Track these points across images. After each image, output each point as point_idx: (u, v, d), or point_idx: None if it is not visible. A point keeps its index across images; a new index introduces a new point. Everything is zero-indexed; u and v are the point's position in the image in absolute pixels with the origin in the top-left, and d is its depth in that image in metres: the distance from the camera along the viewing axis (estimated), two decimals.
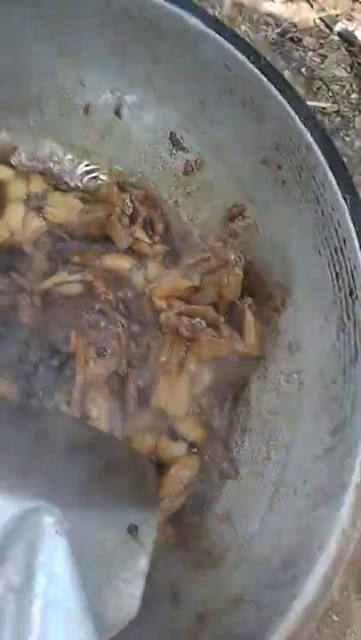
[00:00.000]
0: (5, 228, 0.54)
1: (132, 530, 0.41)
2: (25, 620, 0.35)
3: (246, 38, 0.92)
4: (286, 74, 0.93)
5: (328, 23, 1.00)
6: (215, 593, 0.43)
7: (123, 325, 0.52)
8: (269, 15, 1.00)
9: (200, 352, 0.51)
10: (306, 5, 1.02)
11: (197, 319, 0.51)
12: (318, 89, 0.94)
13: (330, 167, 0.44)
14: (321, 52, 1.00)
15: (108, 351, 0.50)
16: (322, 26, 1.01)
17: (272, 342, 0.51)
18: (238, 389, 0.52)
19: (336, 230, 0.44)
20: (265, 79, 0.48)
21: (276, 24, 1.00)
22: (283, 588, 0.38)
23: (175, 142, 0.56)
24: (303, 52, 0.99)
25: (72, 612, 0.36)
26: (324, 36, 1.00)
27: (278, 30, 0.99)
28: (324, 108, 0.91)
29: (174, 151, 0.57)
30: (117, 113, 0.57)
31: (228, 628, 0.41)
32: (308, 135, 0.45)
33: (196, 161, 0.56)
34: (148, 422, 0.50)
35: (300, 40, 1.00)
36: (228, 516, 0.47)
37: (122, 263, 0.54)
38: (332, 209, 0.44)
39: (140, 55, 0.52)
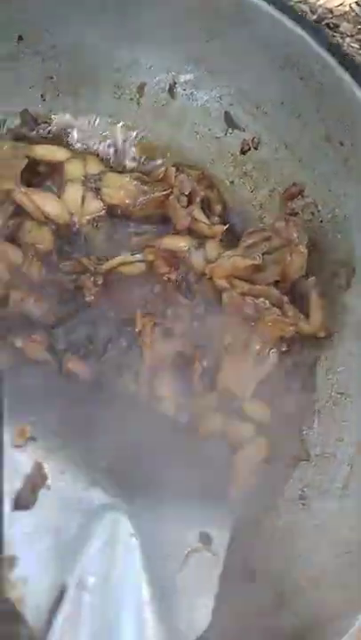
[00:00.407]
0: (65, 209, 0.53)
1: (205, 539, 0.41)
2: (101, 623, 0.35)
3: None
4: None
5: None
6: (294, 572, 0.43)
7: (185, 306, 0.51)
8: (304, 2, 0.99)
9: (265, 332, 0.50)
10: None
11: (261, 299, 0.50)
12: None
13: None
14: (359, 37, 0.98)
15: (174, 331, 0.49)
16: (358, 10, 1.00)
17: (339, 322, 0.50)
18: (306, 370, 0.51)
19: None
20: (325, 53, 0.47)
21: (312, 11, 0.96)
22: None
23: (230, 122, 0.56)
24: (341, 38, 0.96)
25: (146, 620, 0.36)
26: None
27: (314, 17, 0.96)
28: None
29: (230, 130, 0.56)
30: (171, 92, 0.56)
31: (310, 608, 0.41)
32: None
33: (253, 140, 0.55)
34: (215, 403, 0.50)
35: (337, 26, 0.95)
36: (303, 498, 0.47)
37: (181, 243, 0.54)
38: None
39: (195, 33, 0.51)
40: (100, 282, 0.50)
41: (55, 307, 0.48)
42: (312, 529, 0.45)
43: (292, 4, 0.92)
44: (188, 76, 0.55)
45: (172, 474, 0.42)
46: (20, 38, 0.53)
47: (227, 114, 0.56)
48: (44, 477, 0.38)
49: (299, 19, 0.47)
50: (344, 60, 0.47)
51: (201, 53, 0.52)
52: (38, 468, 0.39)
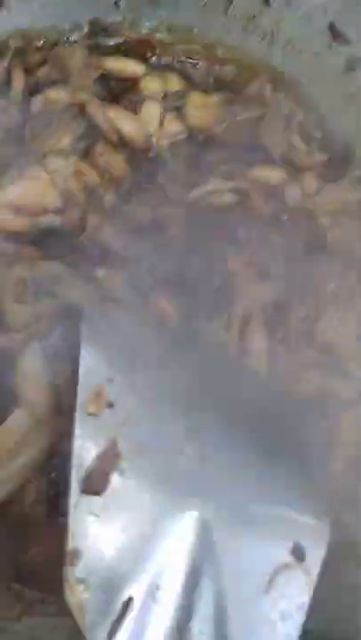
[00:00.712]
0: (142, 128, 0.46)
1: (298, 553, 0.34)
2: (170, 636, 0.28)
3: None
4: None
5: None
6: None
7: (282, 245, 0.44)
8: None
9: None
10: None
11: None
12: None
13: None
14: None
15: (270, 274, 0.42)
16: None
17: None
18: None
19: None
20: None
21: None
22: None
23: (336, 34, 0.47)
24: None
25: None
26: None
27: None
28: None
29: (333, 45, 0.48)
30: (266, 1, 0.48)
31: None
32: None
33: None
34: (312, 359, 0.43)
35: None
36: None
37: (276, 174, 0.47)
38: None
39: None
40: (184, 214, 0.43)
41: (133, 238, 0.41)
42: None
43: None
44: None
45: (264, 454, 0.36)
46: None
47: (332, 25, 0.47)
48: (118, 457, 0.32)
49: None
50: None
51: None
52: (112, 444, 0.32)
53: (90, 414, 0.33)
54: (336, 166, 0.48)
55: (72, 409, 0.34)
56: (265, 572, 0.32)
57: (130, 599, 0.29)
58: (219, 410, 0.37)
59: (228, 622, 0.30)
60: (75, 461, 0.31)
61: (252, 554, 0.32)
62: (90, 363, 0.34)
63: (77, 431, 0.31)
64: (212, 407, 0.37)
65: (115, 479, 0.31)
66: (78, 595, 0.29)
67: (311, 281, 0.45)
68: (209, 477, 0.34)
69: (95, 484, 0.31)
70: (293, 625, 0.32)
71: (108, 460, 0.32)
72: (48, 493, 0.39)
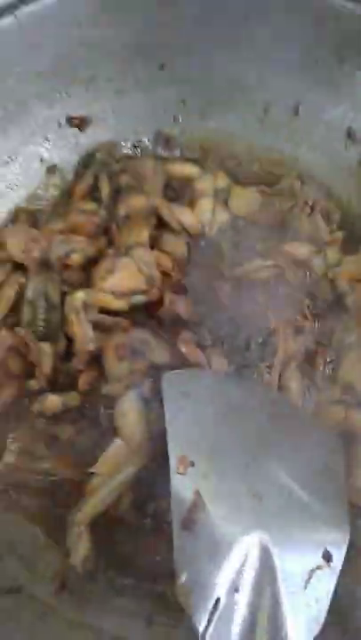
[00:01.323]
0: (197, 220, 0.60)
1: (328, 556, 0.45)
2: (243, 621, 0.41)
3: None
4: None
5: None
6: None
7: (308, 307, 0.56)
8: None
9: None
10: None
11: None
12: None
13: None
14: None
15: (304, 330, 0.54)
16: None
17: None
18: None
19: None
20: None
21: None
22: None
23: (352, 137, 0.61)
24: None
25: (277, 620, 0.42)
26: None
27: None
28: None
29: (349, 144, 0.61)
30: (296, 111, 0.62)
31: None
32: None
33: None
34: (337, 395, 0.55)
35: None
36: None
37: (303, 249, 0.60)
38: None
39: (324, 57, 0.56)
40: (233, 286, 0.56)
41: (196, 307, 0.55)
42: None
43: None
44: (313, 96, 0.60)
45: (302, 481, 0.47)
46: (162, 66, 0.61)
47: (350, 130, 0.61)
48: (203, 503, 0.44)
49: None
50: None
51: (328, 75, 0.58)
52: (197, 494, 0.45)
53: (179, 473, 0.45)
54: (353, 242, 0.60)
55: (156, 440, 0.48)
56: (304, 573, 0.44)
57: (218, 599, 0.42)
58: (268, 453, 0.49)
59: (280, 611, 0.42)
60: (173, 507, 0.44)
61: (295, 562, 0.44)
62: (173, 427, 0.47)
63: (173, 486, 0.45)
64: (264, 452, 0.48)
65: (201, 517, 0.44)
66: (184, 597, 0.42)
67: (334, 335, 0.58)
68: (265, 510, 0.45)
69: (188, 524, 0.44)
70: (323, 605, 0.43)
71: (195, 506, 0.44)
72: (138, 502, 0.52)
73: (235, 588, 0.41)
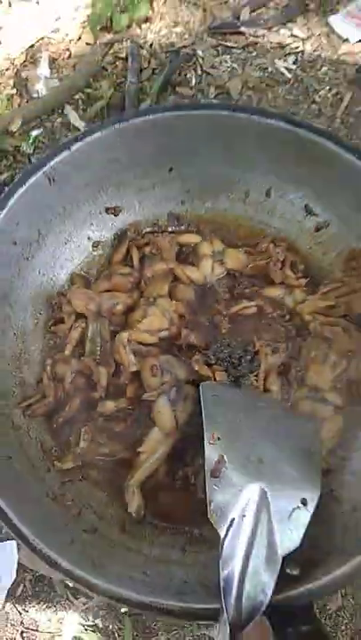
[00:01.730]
0: (201, 274, 0.83)
1: (304, 502, 0.63)
2: (251, 534, 0.61)
3: (326, 77, 1.16)
4: None
5: None
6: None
7: (283, 332, 0.80)
8: (347, 54, 1.18)
9: (338, 348, 0.77)
10: None
11: (335, 326, 0.78)
12: None
13: None
14: None
15: (279, 347, 0.78)
16: None
17: None
18: None
19: None
20: None
21: (355, 62, 1.16)
22: None
23: (309, 211, 0.85)
24: None
25: (266, 541, 0.62)
26: None
27: (356, 67, 1.16)
28: None
29: (307, 216, 0.85)
30: (268, 194, 0.86)
31: None
32: None
33: (324, 222, 0.84)
34: (304, 394, 0.77)
35: None
36: None
37: (278, 292, 0.81)
38: None
39: (288, 160, 0.80)
40: (228, 320, 0.80)
41: (203, 337, 0.79)
42: None
43: (325, 69, 1.14)
44: (281, 185, 0.84)
45: (288, 450, 0.68)
46: (171, 170, 0.85)
47: (306, 206, 0.85)
48: (225, 462, 0.64)
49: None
50: None
51: (290, 172, 0.81)
52: (221, 457, 0.65)
53: (210, 444, 0.65)
54: (313, 285, 0.83)
55: (182, 429, 0.72)
56: (288, 509, 0.62)
57: (233, 519, 0.60)
58: (266, 429, 0.70)
59: (273, 534, 0.61)
60: (206, 464, 0.63)
61: (282, 502, 0.62)
62: (207, 415, 0.67)
63: (206, 451, 0.65)
64: (263, 428, 0.70)
65: (223, 471, 0.63)
66: (213, 516, 0.61)
67: (302, 351, 0.79)
68: (264, 469, 0.65)
69: (215, 473, 0.63)
70: (300, 531, 0.62)
71: (220, 463, 0.64)
72: (170, 470, 0.75)
73: (243, 514, 0.61)
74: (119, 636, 0.89)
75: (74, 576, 0.61)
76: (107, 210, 0.86)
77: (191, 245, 0.86)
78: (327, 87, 1.17)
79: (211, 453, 0.65)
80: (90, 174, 0.81)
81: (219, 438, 0.67)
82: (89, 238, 0.87)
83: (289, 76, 1.18)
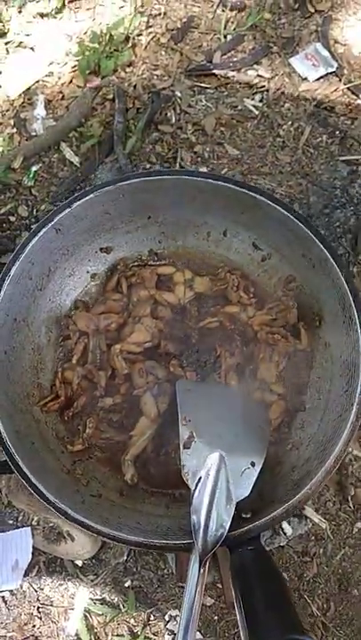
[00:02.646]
0: (176, 297, 1.05)
1: (253, 464, 0.77)
2: (212, 488, 0.80)
3: (289, 112, 1.27)
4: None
5: (354, 91, 1.26)
6: (298, 458, 0.92)
7: (238, 340, 1.03)
8: (306, 91, 1.28)
9: (279, 350, 0.94)
10: (335, 79, 1.28)
11: (276, 335, 1.01)
12: (351, 145, 1.23)
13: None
14: (350, 115, 1.24)
15: (235, 352, 1.01)
16: (349, 94, 1.25)
17: (315, 343, 0.98)
18: (302, 368, 1.00)
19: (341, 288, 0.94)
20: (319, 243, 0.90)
21: (313, 98, 1.26)
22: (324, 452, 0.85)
23: (255, 247, 1.05)
24: (336, 117, 1.24)
25: (224, 492, 0.79)
26: (352, 101, 1.25)
27: (314, 103, 1.25)
28: (357, 160, 1.20)
29: (255, 250, 1.07)
30: (225, 234, 1.09)
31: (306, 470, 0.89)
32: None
33: (267, 254, 1.01)
34: (257, 386, 0.94)
35: (333, 108, 1.23)
36: (302, 426, 0.96)
37: (234, 309, 0.97)
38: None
39: (235, 209, 1.00)
40: (197, 332, 1.03)
41: (178, 346, 1.02)
42: (308, 442, 0.94)
43: (288, 105, 1.27)
44: (233, 227, 1.05)
45: (244, 426, 0.85)
46: (149, 217, 1.06)
47: (254, 243, 1.01)
48: (194, 437, 0.79)
49: (289, 210, 0.90)
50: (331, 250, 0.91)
51: (238, 218, 1.02)
52: (191, 433, 0.79)
53: (182, 424, 0.80)
54: (261, 303, 1.03)
55: (163, 416, 0.94)
56: (240, 469, 0.77)
57: (200, 477, 0.74)
58: (226, 412, 0.87)
59: (229, 486, 0.75)
60: (180, 439, 0.78)
61: (236, 464, 0.76)
62: (180, 404, 0.84)
63: (180, 430, 0.80)
64: (224, 412, 0.87)
65: (193, 444, 0.78)
66: (185, 476, 0.75)
67: (253, 354, 0.98)
68: (224, 442, 0.79)
69: (187, 445, 0.78)
70: (250, 484, 0.76)
71: (190, 438, 0.78)
72: (155, 448, 0.90)
73: (208, 474, 0.75)
74: (124, 606, 0.98)
75: (85, 525, 0.81)
76: (101, 249, 1.03)
77: (168, 275, 1.02)
78: (290, 122, 1.26)
79: (183, 431, 0.82)
80: (87, 223, 0.96)
81: (190, 420, 0.86)
82: (87, 272, 1.03)
83: (256, 112, 1.26)
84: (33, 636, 1.00)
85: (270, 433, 0.91)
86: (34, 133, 1.27)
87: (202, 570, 0.70)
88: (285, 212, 0.93)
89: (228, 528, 0.74)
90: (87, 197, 0.97)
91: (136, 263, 1.04)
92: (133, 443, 0.91)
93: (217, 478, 0.78)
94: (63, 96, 1.31)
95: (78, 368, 0.94)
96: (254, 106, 1.28)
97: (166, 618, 0.98)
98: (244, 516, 0.79)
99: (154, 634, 0.98)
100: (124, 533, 0.79)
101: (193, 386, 0.94)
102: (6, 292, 0.91)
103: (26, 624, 1.01)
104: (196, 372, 0.94)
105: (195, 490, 0.76)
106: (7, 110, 1.30)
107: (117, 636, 0.97)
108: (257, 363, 0.95)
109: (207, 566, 0.74)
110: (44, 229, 0.95)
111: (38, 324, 0.98)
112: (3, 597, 1.00)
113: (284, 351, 0.94)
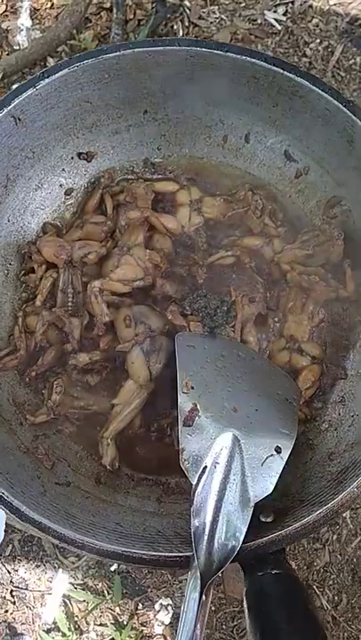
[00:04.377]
0: (179, 224, 0.81)
1: (278, 450, 0.65)
2: (223, 482, 0.61)
3: (317, 29, 1.13)
4: None
5: None
6: (338, 442, 0.70)
7: (261, 282, 0.78)
8: (338, 5, 1.14)
9: (316, 298, 0.77)
10: None
11: (313, 276, 0.76)
12: None
13: None
14: None
15: (255, 299, 0.76)
16: None
17: None
18: (345, 323, 0.77)
19: None
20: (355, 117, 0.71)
21: (345, 13, 1.13)
22: None
23: (288, 157, 0.82)
24: None
25: (239, 487, 0.62)
26: None
27: (347, 19, 1.12)
28: None
29: (287, 162, 0.83)
30: (246, 139, 0.83)
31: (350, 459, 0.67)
32: None
33: (303, 168, 0.81)
34: (283, 345, 0.77)
35: None
36: (342, 400, 0.74)
37: (256, 242, 0.80)
38: None
39: (264, 101, 0.77)
40: (205, 270, 0.78)
41: (179, 287, 0.77)
42: (349, 420, 0.72)
43: (316, 20, 1.12)
44: (259, 128, 0.81)
45: (265, 399, 0.69)
46: (145, 112, 0.82)
47: (286, 152, 0.82)
48: (198, 411, 0.65)
49: (336, 95, 0.71)
50: None
51: (268, 114, 0.78)
52: (195, 406, 0.65)
53: (183, 392, 0.65)
54: (292, 234, 0.82)
55: (156, 380, 0.71)
56: (262, 457, 0.64)
57: (205, 467, 0.61)
58: (241, 379, 0.70)
59: (246, 481, 0.61)
60: (179, 413, 0.63)
61: (256, 450, 0.63)
62: (181, 365, 0.67)
63: (179, 400, 0.64)
64: (239, 378, 0.70)
65: (196, 420, 0.64)
66: (185, 464, 0.61)
67: (280, 301, 0.79)
68: (239, 419, 0.66)
69: (188, 422, 0.64)
70: (273, 479, 0.62)
71: (192, 412, 0.65)
72: (145, 422, 0.75)
73: (216, 462, 0.61)
74: (109, 593, 0.92)
75: (43, 526, 0.61)
76: (79, 155, 0.83)
77: (168, 194, 0.84)
78: (318, 40, 1.13)
79: (184, 402, 0.65)
80: (59, 115, 0.76)
81: (192, 387, 0.66)
82: (61, 185, 0.84)
83: (279, 27, 1.14)
84: (5, 621, 0.93)
85: (299, 408, 0.74)
86: (17, 47, 1.14)
87: (203, 598, 0.55)
88: (336, 103, 0.67)
89: (242, 540, 0.58)
90: (59, 74, 0.71)
91: (126, 176, 0.86)
92: (116, 415, 0.73)
93: (229, 469, 0.62)
94: (52, 4, 1.17)
95: (44, 312, 0.75)
96: (277, 20, 1.15)
97: (156, 607, 0.92)
98: (263, 520, 0.64)
99: (142, 624, 0.92)
100: (97, 539, 0.61)
101: (198, 341, 0.73)
102: None
103: None
104: (203, 322, 0.75)
105: (197, 483, 0.61)
106: None
107: (100, 625, 0.91)
108: (285, 313, 0.78)
109: (211, 592, 0.57)
110: None
111: None
112: None
113: (321, 299, 0.77)
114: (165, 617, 0.92)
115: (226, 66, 0.73)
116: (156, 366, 0.71)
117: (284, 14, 1.15)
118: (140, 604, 0.92)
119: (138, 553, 0.60)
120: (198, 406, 0.65)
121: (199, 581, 0.55)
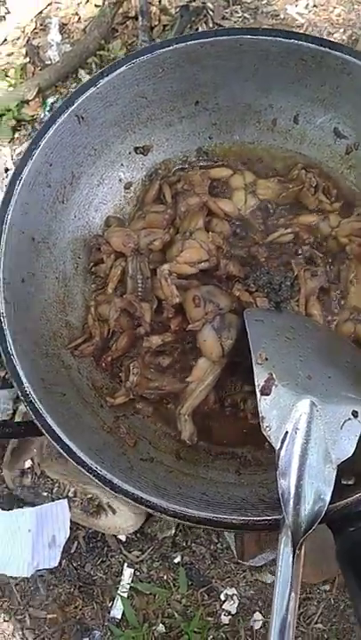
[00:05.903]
0: (234, 207, 0.83)
1: (355, 414, 0.65)
2: (303, 450, 0.62)
3: (340, 19, 1.13)
4: None
5: None
6: None
7: (320, 257, 0.80)
8: None
9: None
10: None
11: None
12: None
13: None
14: None
15: (318, 273, 0.78)
16: None
17: None
18: None
19: None
20: None
21: None
22: None
23: (338, 134, 0.83)
24: None
25: (321, 451, 0.63)
26: None
27: None
28: None
29: (337, 139, 0.84)
30: (295, 120, 0.85)
31: None
32: None
33: (354, 144, 0.83)
34: (347, 316, 0.78)
35: None
36: None
37: (312, 218, 0.82)
38: None
39: (312, 82, 0.79)
40: (265, 249, 0.80)
41: (242, 267, 0.79)
42: None
43: None
44: (307, 109, 0.83)
45: (336, 367, 0.70)
46: (197, 102, 0.84)
47: (335, 129, 0.84)
48: (273, 380, 0.64)
49: None
50: None
51: (316, 94, 0.80)
52: (271, 375, 0.65)
53: (258, 364, 0.65)
54: (347, 209, 0.83)
55: (228, 357, 0.73)
56: (340, 421, 0.64)
57: (286, 432, 0.62)
58: (311, 349, 0.71)
59: (326, 444, 0.62)
60: (257, 385, 0.63)
61: (334, 414, 0.63)
62: (253, 338, 0.68)
63: (255, 371, 0.65)
64: (309, 348, 0.71)
65: (273, 389, 0.64)
66: (266, 431, 0.62)
67: (341, 274, 0.81)
68: (314, 386, 0.66)
69: (265, 391, 0.64)
70: (353, 441, 0.62)
71: (269, 381, 0.65)
72: (219, 398, 0.77)
73: (296, 427, 0.62)
74: (174, 585, 0.93)
75: (137, 498, 0.64)
76: (136, 149, 0.86)
77: (222, 179, 0.85)
78: (341, 29, 1.15)
79: (260, 372, 0.66)
80: (117, 112, 0.80)
81: (266, 358, 0.68)
82: (120, 180, 0.87)
83: (302, 21, 1.15)
84: (75, 617, 0.95)
85: None
86: (48, 62, 1.18)
87: (297, 554, 0.57)
88: None
89: (328, 501, 0.60)
90: (118, 71, 0.75)
91: (181, 166, 0.88)
92: (191, 392, 0.75)
93: (309, 433, 0.63)
94: (79, 17, 1.22)
95: (115, 300, 0.77)
96: (299, 13, 1.17)
97: (222, 597, 0.93)
98: (345, 482, 0.65)
99: (209, 614, 0.93)
100: (190, 508, 0.63)
101: (266, 316, 0.75)
102: (18, 202, 0.71)
103: (67, 605, 0.95)
104: (269, 297, 0.76)
105: (280, 448, 0.62)
106: (18, 38, 1.20)
107: (168, 617, 0.92)
108: (346, 285, 0.79)
109: (303, 551, 0.58)
110: (62, 116, 0.74)
111: (63, 246, 0.81)
112: (41, 577, 0.95)
113: None
114: (231, 607, 0.93)
115: (274, 51, 0.75)
116: (228, 342, 0.73)
117: (306, 7, 1.17)
118: (206, 595, 0.93)
119: (228, 518, 0.62)
120: (274, 375, 0.66)
121: (291, 541, 0.57)
